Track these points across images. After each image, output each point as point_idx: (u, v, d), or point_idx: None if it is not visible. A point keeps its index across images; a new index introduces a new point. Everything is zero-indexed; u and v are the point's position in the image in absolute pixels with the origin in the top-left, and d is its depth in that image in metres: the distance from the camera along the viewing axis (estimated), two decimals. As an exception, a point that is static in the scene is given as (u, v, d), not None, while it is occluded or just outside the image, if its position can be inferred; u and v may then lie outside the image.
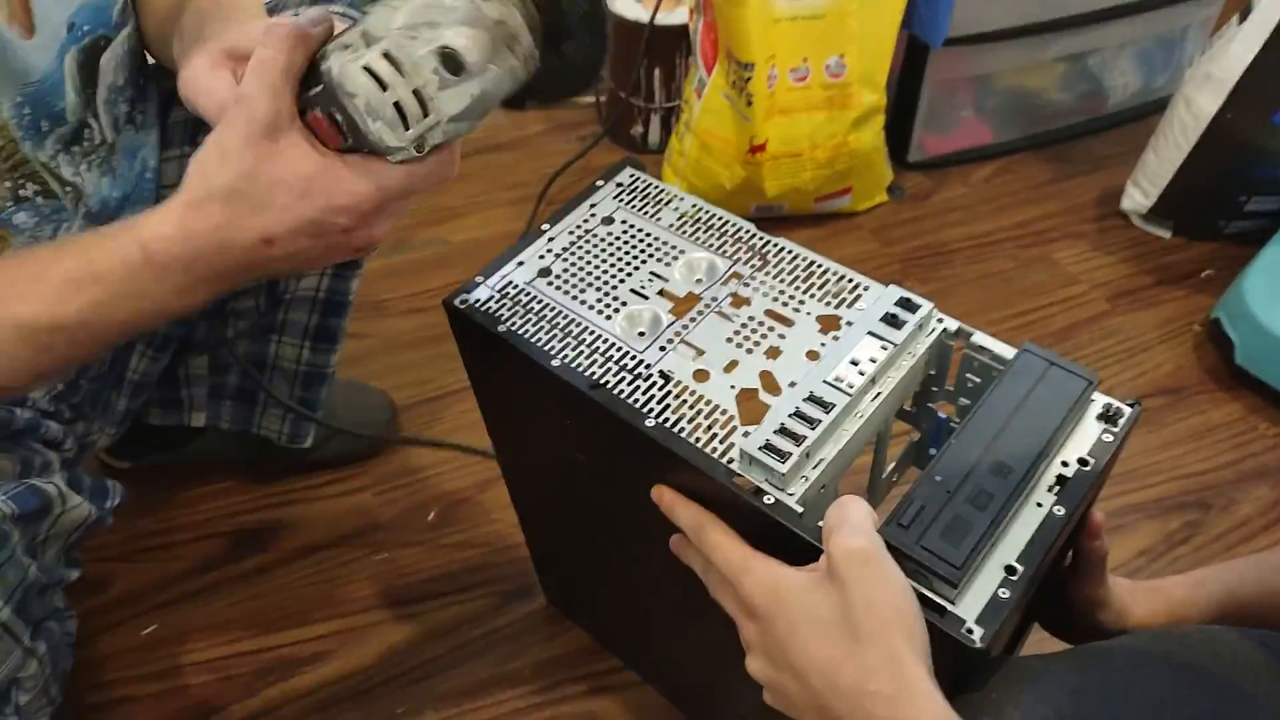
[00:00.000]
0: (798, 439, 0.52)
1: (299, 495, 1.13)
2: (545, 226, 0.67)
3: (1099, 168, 1.59)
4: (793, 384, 0.56)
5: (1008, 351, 0.58)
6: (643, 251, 0.65)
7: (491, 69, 0.49)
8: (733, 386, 0.57)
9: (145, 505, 1.12)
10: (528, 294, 0.63)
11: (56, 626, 0.78)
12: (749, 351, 0.59)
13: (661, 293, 0.63)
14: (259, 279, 0.55)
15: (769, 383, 0.57)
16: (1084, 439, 0.53)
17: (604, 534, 0.77)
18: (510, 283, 0.64)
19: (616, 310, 0.62)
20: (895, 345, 0.57)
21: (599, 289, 0.63)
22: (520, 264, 0.65)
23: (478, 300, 0.63)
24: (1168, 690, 0.49)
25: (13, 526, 0.64)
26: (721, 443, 0.54)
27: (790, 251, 0.65)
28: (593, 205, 0.69)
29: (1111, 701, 0.48)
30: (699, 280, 0.64)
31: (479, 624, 1.02)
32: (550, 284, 0.63)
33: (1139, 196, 1.46)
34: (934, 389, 0.63)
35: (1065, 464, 0.52)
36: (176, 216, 0.51)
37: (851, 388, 0.55)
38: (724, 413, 0.56)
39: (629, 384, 0.57)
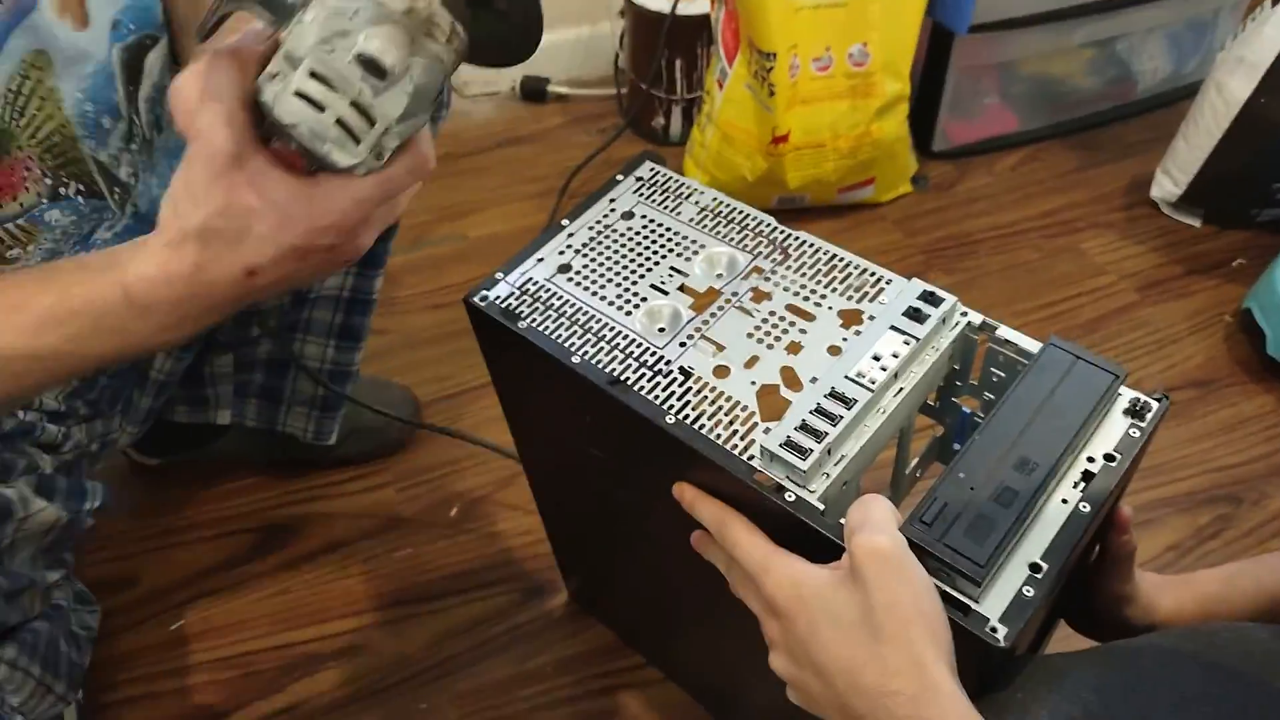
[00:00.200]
0: (819, 435, 0.52)
1: (322, 491, 1.14)
2: (564, 222, 0.67)
3: (1127, 155, 1.57)
4: (814, 380, 0.56)
5: (1033, 345, 0.57)
6: (663, 246, 0.65)
7: (417, 61, 0.47)
8: (753, 382, 0.56)
9: (171, 502, 1.13)
10: (547, 290, 0.63)
11: (45, 627, 0.78)
12: (770, 347, 0.58)
13: (682, 288, 0.62)
14: (251, 306, 0.54)
15: (790, 378, 0.56)
16: (1110, 434, 0.52)
17: (625, 530, 0.77)
18: (530, 279, 0.63)
19: (636, 306, 0.61)
20: (918, 340, 0.56)
21: (619, 285, 0.62)
22: (540, 260, 0.65)
23: (497, 297, 0.63)
24: (1197, 689, 0.48)
25: None
26: (742, 439, 0.54)
27: (811, 245, 0.64)
28: (612, 200, 0.68)
29: (1139, 701, 0.47)
30: (719, 275, 0.63)
31: (501, 620, 1.02)
32: (570, 280, 0.63)
33: (1169, 184, 1.44)
34: (958, 383, 0.62)
35: (1091, 459, 0.51)
36: (158, 258, 0.50)
37: (874, 383, 0.54)
38: (745, 409, 0.55)
39: (649, 380, 0.57)
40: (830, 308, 0.60)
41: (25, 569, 0.75)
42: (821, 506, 0.50)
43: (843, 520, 0.47)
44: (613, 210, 0.68)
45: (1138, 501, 1.09)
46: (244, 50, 0.48)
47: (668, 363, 0.58)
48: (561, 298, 0.62)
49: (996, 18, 1.40)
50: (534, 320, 0.61)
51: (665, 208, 0.67)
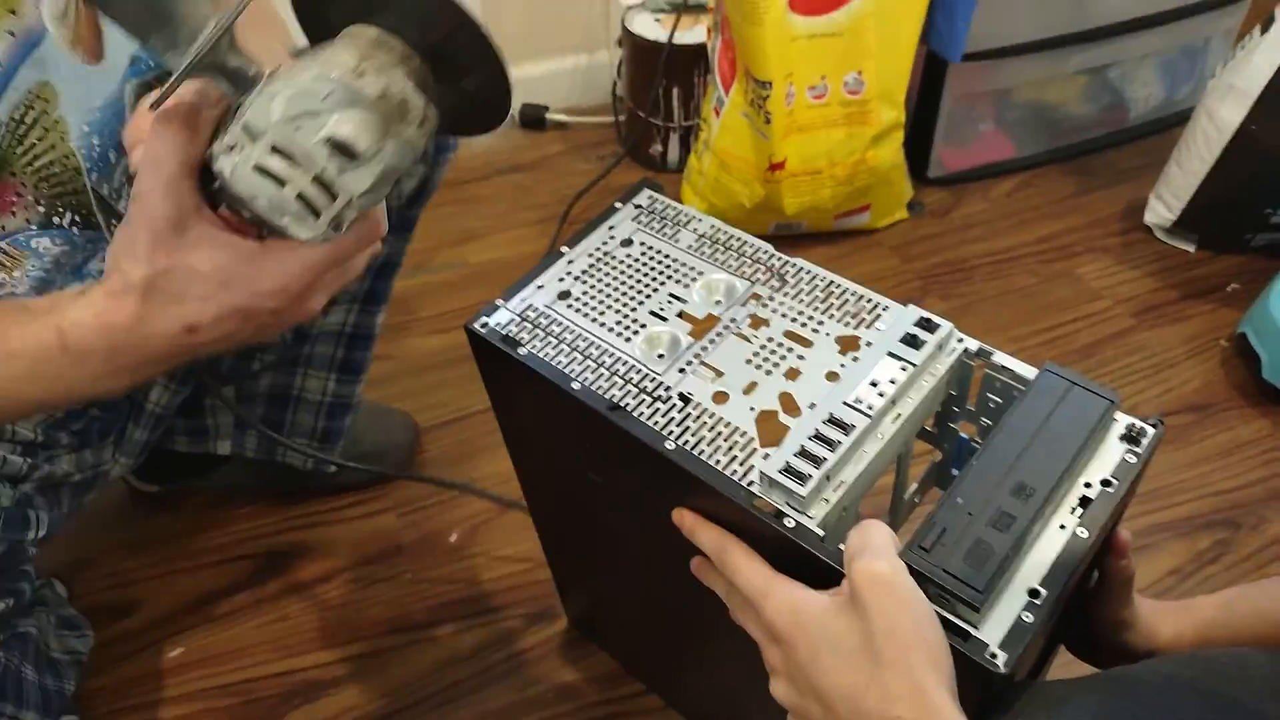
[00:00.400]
0: (818, 461, 0.52)
1: (322, 518, 1.14)
2: (564, 249, 0.68)
3: (1122, 181, 1.59)
4: (813, 405, 0.56)
5: (1029, 371, 0.57)
6: (661, 273, 0.65)
7: (389, 144, 0.47)
8: (752, 408, 0.57)
9: (170, 528, 1.13)
10: (547, 317, 0.63)
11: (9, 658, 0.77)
12: (768, 373, 0.59)
13: (681, 314, 0.63)
14: (190, 362, 0.54)
15: (788, 404, 0.57)
16: (1107, 459, 0.52)
17: (626, 556, 0.77)
18: (530, 306, 0.64)
19: (636, 332, 0.62)
20: (915, 366, 0.57)
21: (618, 311, 0.63)
22: (540, 287, 0.65)
23: (498, 324, 0.63)
24: (1196, 717, 0.48)
25: None
26: (741, 465, 0.54)
27: (809, 272, 0.65)
28: (611, 228, 0.69)
29: (1140, 728, 0.47)
30: (718, 301, 0.64)
31: (502, 647, 1.02)
32: (570, 307, 0.64)
33: (1162, 210, 1.45)
34: (955, 409, 0.63)
35: (1088, 485, 0.51)
36: (96, 306, 0.50)
37: (871, 409, 0.55)
38: (743, 435, 0.56)
39: (649, 406, 0.57)
40: (828, 334, 0.60)
41: None
42: (821, 532, 0.50)
43: (842, 546, 0.48)
44: (612, 238, 0.68)
45: (1136, 526, 1.09)
46: (194, 114, 0.48)
47: (667, 389, 0.58)
48: (561, 324, 0.63)
49: (990, 46, 1.42)
50: (534, 347, 0.61)
51: (664, 235, 0.68)
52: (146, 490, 1.15)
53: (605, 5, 1.68)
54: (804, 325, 0.61)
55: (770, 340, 0.61)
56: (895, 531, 0.49)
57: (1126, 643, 0.63)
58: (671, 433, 0.56)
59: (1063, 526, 0.50)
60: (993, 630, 0.45)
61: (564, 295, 0.65)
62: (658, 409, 0.57)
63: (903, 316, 0.60)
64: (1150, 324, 1.35)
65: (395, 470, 1.17)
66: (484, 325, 0.63)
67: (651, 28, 1.53)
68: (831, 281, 0.64)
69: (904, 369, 0.57)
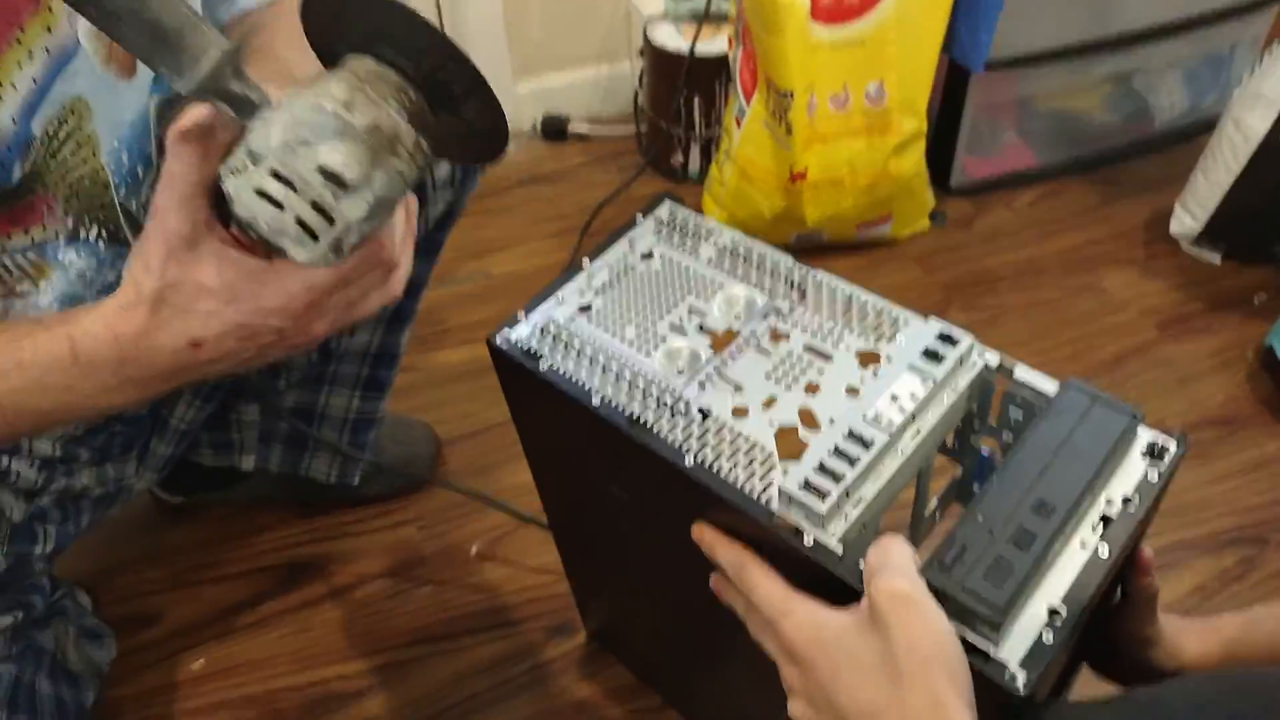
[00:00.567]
0: (837, 477, 0.52)
1: (345, 530, 1.15)
2: (585, 262, 0.68)
3: (1146, 191, 1.57)
4: (832, 421, 0.56)
5: (1050, 386, 0.57)
6: (682, 287, 0.65)
7: (377, 175, 0.48)
8: (771, 423, 0.57)
9: (195, 539, 1.14)
10: (568, 331, 0.63)
11: (9, 669, 0.77)
12: (788, 388, 0.59)
13: (701, 328, 0.63)
14: (195, 380, 0.55)
15: (808, 419, 0.57)
16: (1129, 476, 0.52)
17: (644, 571, 0.77)
18: (551, 320, 0.64)
19: (656, 347, 0.62)
20: (936, 380, 0.57)
21: (638, 325, 0.63)
22: (560, 301, 0.66)
23: (519, 338, 0.64)
24: (1222, 738, 0.47)
25: None
26: (761, 481, 0.54)
27: (829, 285, 0.64)
28: (632, 240, 0.69)
29: (1163, 750, 0.46)
30: (737, 316, 0.64)
31: (521, 660, 1.02)
32: (590, 321, 0.64)
33: (1188, 220, 1.44)
34: (976, 424, 0.62)
35: (1110, 502, 0.51)
36: (107, 318, 0.52)
37: (891, 424, 0.54)
38: (763, 450, 0.55)
39: (668, 421, 0.57)
40: (848, 348, 0.60)
41: None
42: (840, 549, 0.50)
43: (861, 563, 0.47)
44: (632, 251, 0.68)
45: (1160, 543, 1.08)
46: (209, 136, 0.49)
47: (687, 403, 0.58)
48: (582, 338, 0.63)
49: (1012, 55, 1.41)
50: (555, 361, 0.62)
51: (684, 248, 0.68)
52: (171, 501, 1.16)
53: (626, 16, 1.69)
54: (824, 339, 0.61)
55: (790, 354, 0.60)
56: (916, 548, 0.48)
57: (1151, 660, 0.62)
58: (691, 448, 0.56)
59: (1084, 545, 0.49)
60: (1012, 650, 0.45)
61: (584, 309, 0.65)
62: (677, 424, 0.57)
63: (923, 330, 0.60)
64: (1175, 336, 1.33)
65: (417, 479, 1.17)
66: (505, 340, 0.64)
67: (673, 38, 1.53)
68: (852, 295, 0.63)
69: (924, 384, 0.56)
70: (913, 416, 0.56)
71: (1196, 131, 1.64)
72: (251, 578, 1.11)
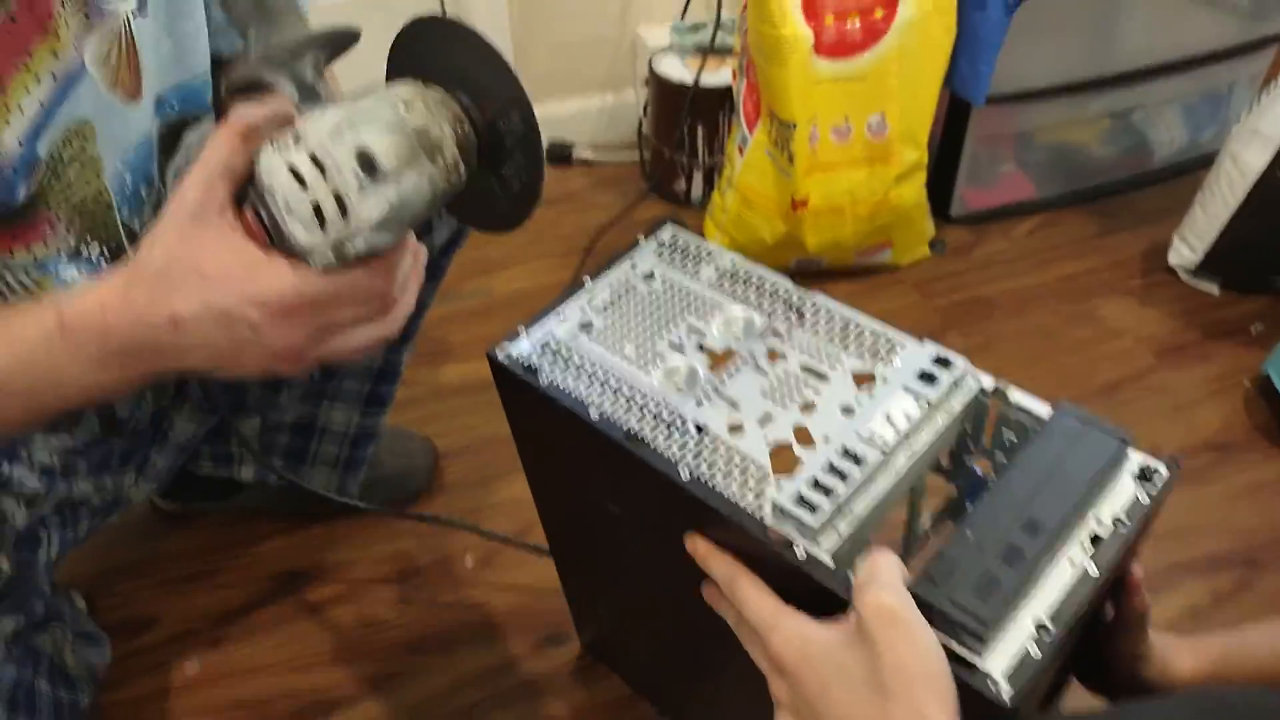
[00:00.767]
0: (830, 493, 0.53)
1: (342, 540, 1.15)
2: (586, 281, 0.69)
3: (1144, 223, 1.59)
4: (827, 438, 0.57)
5: (1043, 410, 0.58)
6: (682, 307, 0.67)
7: (409, 174, 0.50)
8: (767, 440, 0.58)
9: (191, 545, 1.15)
10: (569, 347, 0.65)
11: (10, 672, 0.78)
12: (784, 406, 0.60)
13: (700, 347, 0.64)
14: (177, 369, 0.55)
15: (803, 437, 0.58)
16: (1120, 498, 0.53)
17: (639, 583, 0.78)
18: (552, 336, 0.65)
19: (655, 364, 0.63)
20: (930, 402, 0.58)
21: (638, 343, 0.64)
22: (562, 318, 0.67)
23: (520, 353, 0.65)
24: (1205, 756, 0.48)
25: None
26: (755, 495, 0.55)
27: (827, 308, 0.66)
28: (634, 261, 0.70)
29: (1147, 767, 0.47)
30: (736, 336, 0.65)
31: (515, 671, 1.02)
32: (591, 338, 0.65)
33: (1186, 252, 1.45)
34: (970, 445, 0.63)
35: (1100, 522, 0.52)
36: (98, 290, 0.52)
37: (885, 443, 0.55)
38: (758, 466, 0.56)
39: (665, 436, 0.58)
40: (844, 369, 0.61)
41: None
42: (832, 563, 0.51)
43: (852, 575, 0.48)
44: (634, 271, 0.70)
45: (1155, 565, 1.09)
46: (253, 131, 0.51)
47: (684, 419, 0.59)
48: (582, 355, 0.64)
49: (1013, 89, 1.43)
50: (555, 376, 0.63)
51: (685, 270, 0.69)
52: (168, 509, 1.17)
53: (632, 46, 1.71)
54: (821, 360, 0.62)
55: (787, 374, 0.61)
56: (908, 564, 0.49)
57: (1141, 677, 0.63)
58: (687, 462, 0.57)
59: (1073, 563, 0.50)
60: (999, 663, 0.46)
61: (585, 326, 0.66)
62: (674, 439, 0.58)
63: (919, 353, 0.61)
64: (1172, 364, 1.34)
65: (412, 496, 1.18)
66: (506, 354, 0.65)
67: (678, 70, 1.56)
68: (849, 318, 0.65)
69: (919, 405, 0.58)
70: (906, 436, 0.57)
71: (1195, 166, 1.66)
72: (247, 585, 1.11)
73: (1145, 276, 1.49)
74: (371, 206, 0.49)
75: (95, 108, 0.66)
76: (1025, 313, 1.43)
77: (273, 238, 0.51)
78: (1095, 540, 0.51)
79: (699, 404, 0.60)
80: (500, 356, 0.65)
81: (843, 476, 0.54)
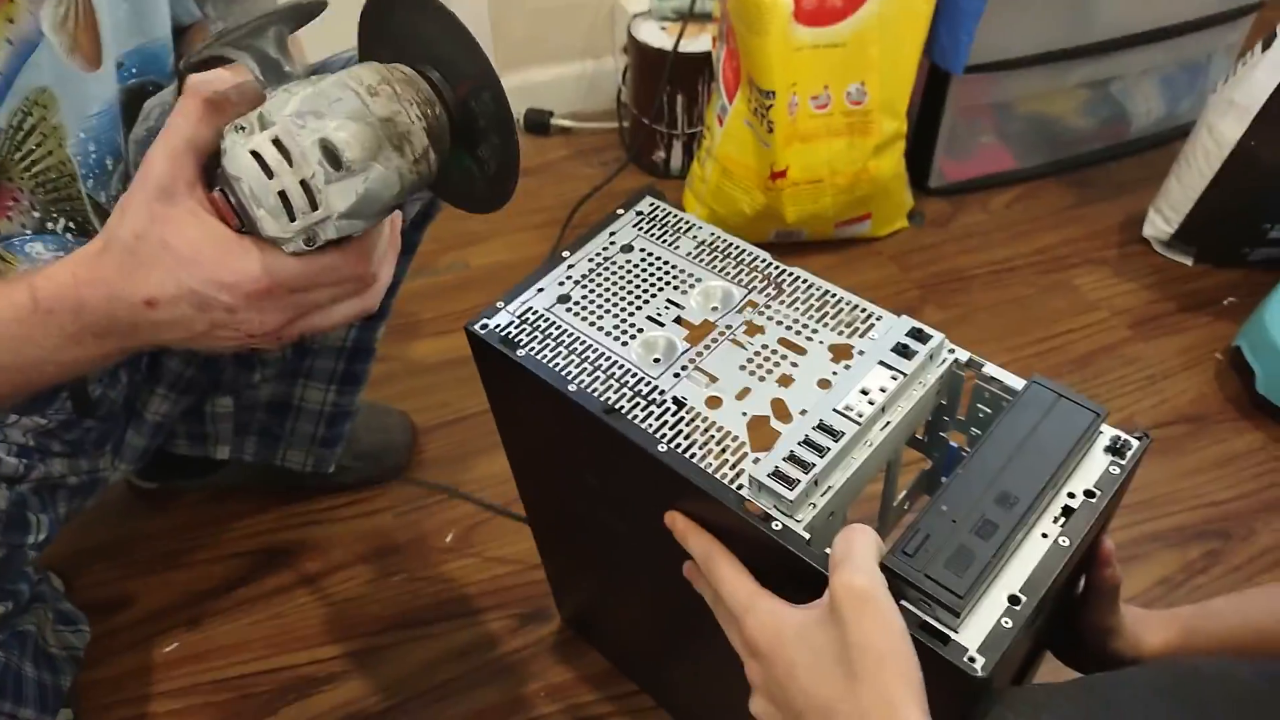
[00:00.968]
0: (806, 466, 0.53)
1: (320, 516, 1.15)
2: (565, 254, 0.69)
3: (1121, 194, 1.59)
4: (804, 412, 0.57)
5: (1017, 383, 0.58)
6: (660, 279, 0.66)
7: (375, 167, 0.48)
8: (744, 414, 0.58)
9: (168, 524, 1.14)
10: (546, 320, 0.64)
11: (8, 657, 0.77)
12: (761, 379, 0.60)
13: (678, 320, 0.64)
14: (151, 344, 0.54)
15: (780, 410, 0.58)
16: (1091, 470, 0.53)
17: (619, 557, 0.78)
18: (530, 308, 0.65)
19: (633, 337, 0.63)
20: (906, 375, 0.58)
21: (616, 316, 0.64)
22: (540, 290, 0.66)
23: (498, 325, 0.64)
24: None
25: None
26: (732, 469, 0.55)
27: (805, 280, 0.65)
28: (612, 233, 0.70)
29: (1117, 734, 0.48)
30: (714, 308, 0.65)
31: (495, 646, 1.03)
32: (569, 310, 0.65)
33: (1161, 223, 1.46)
34: (945, 419, 0.63)
35: (1071, 495, 0.52)
36: (71, 264, 0.52)
37: (861, 416, 0.56)
38: (735, 439, 0.56)
39: (643, 409, 0.58)
40: (821, 342, 0.61)
41: None
42: (808, 536, 0.51)
43: (828, 550, 0.48)
44: (612, 243, 0.69)
45: (1127, 536, 1.10)
46: (222, 101, 0.50)
47: (661, 393, 0.59)
48: (560, 327, 0.64)
49: (992, 59, 1.43)
50: (532, 349, 0.62)
51: (664, 242, 0.69)
52: (145, 487, 1.16)
53: (610, 12, 1.69)
54: (798, 333, 0.62)
55: (764, 347, 0.61)
56: (884, 537, 0.50)
57: (1113, 649, 0.63)
58: (664, 436, 0.57)
59: (1045, 535, 0.50)
60: (972, 635, 0.46)
61: (564, 299, 0.66)
62: (652, 412, 0.58)
63: (895, 326, 0.61)
64: (1146, 336, 1.36)
65: (390, 471, 1.18)
66: (484, 327, 0.64)
67: (657, 36, 1.54)
68: (827, 290, 0.65)
69: (894, 378, 0.58)
70: (882, 410, 0.57)
71: (1172, 137, 1.66)
72: (225, 563, 1.11)
73: (1121, 248, 1.50)
74: (338, 198, 0.48)
75: (55, 75, 0.65)
76: (1002, 285, 1.44)
77: (243, 221, 0.50)
78: (1067, 512, 0.51)
79: (677, 377, 0.60)
80: (478, 330, 0.64)
81: (819, 450, 0.54)
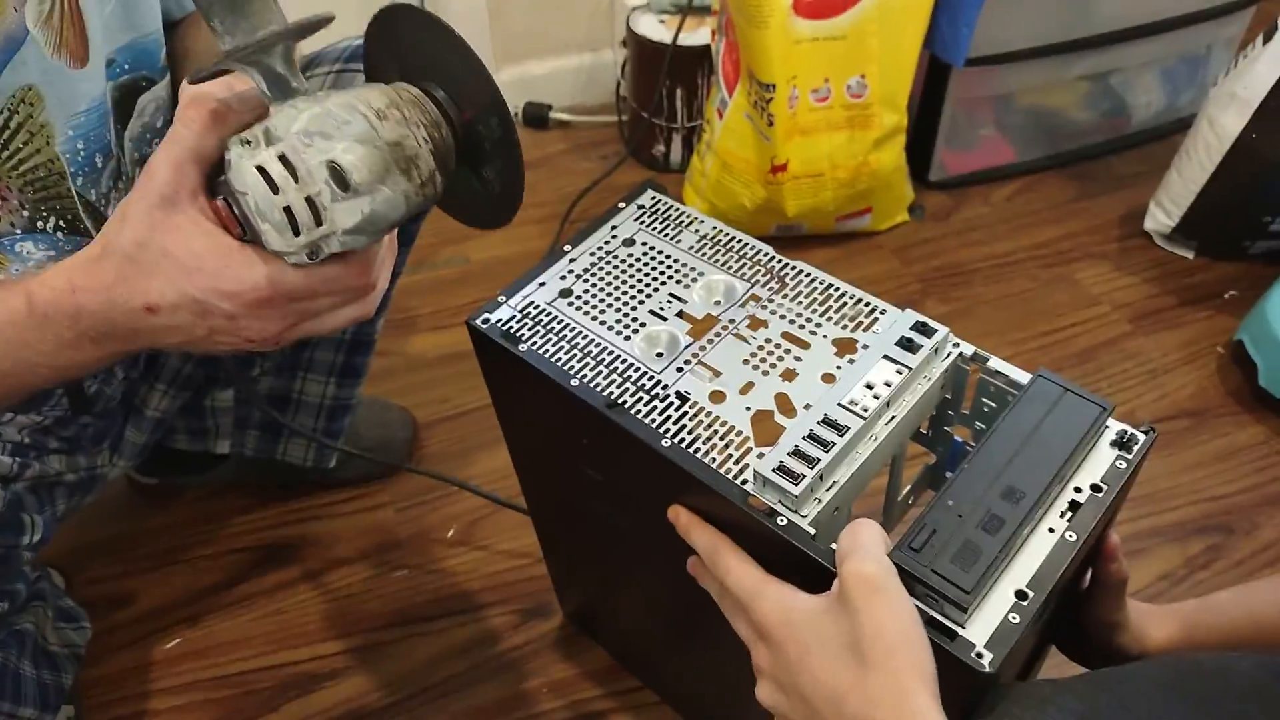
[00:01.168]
0: (811, 461, 0.53)
1: (321, 512, 1.15)
2: (566, 248, 0.68)
3: (1122, 187, 1.59)
4: (808, 406, 0.57)
5: (1023, 377, 0.58)
6: (662, 273, 0.66)
7: (382, 190, 0.48)
8: (748, 408, 0.58)
9: (169, 521, 1.14)
10: (548, 314, 0.64)
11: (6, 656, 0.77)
12: (765, 374, 0.59)
13: (680, 314, 0.63)
14: (151, 348, 0.54)
15: (784, 405, 0.58)
16: (1098, 465, 0.53)
17: (621, 553, 0.78)
18: (531, 303, 0.65)
19: (635, 331, 0.62)
20: (910, 369, 0.57)
21: (618, 310, 0.64)
22: (541, 284, 0.66)
23: (499, 320, 0.64)
24: (1179, 719, 0.49)
25: None
26: (736, 464, 0.55)
27: (808, 274, 0.65)
28: (614, 227, 0.70)
29: (1123, 729, 0.48)
30: (717, 302, 0.64)
31: (497, 642, 1.02)
32: (571, 304, 0.64)
33: (1162, 216, 1.46)
34: (950, 413, 0.63)
35: (1078, 490, 0.52)
36: (68, 270, 0.51)
37: (865, 411, 0.55)
38: (739, 434, 0.56)
39: (646, 404, 0.58)
40: (825, 336, 0.61)
41: None
42: (812, 531, 0.51)
43: (834, 545, 0.48)
44: (614, 237, 0.69)
45: (1129, 531, 1.10)
46: (225, 110, 0.49)
47: (664, 387, 0.59)
48: (562, 321, 0.63)
49: (993, 51, 1.42)
50: (534, 343, 0.62)
51: (666, 235, 0.69)
52: (145, 483, 1.16)
53: (610, 5, 1.68)
54: (802, 327, 0.62)
55: (768, 341, 0.61)
56: (889, 532, 0.49)
57: (1118, 645, 0.63)
58: (668, 430, 0.56)
59: (1052, 530, 0.50)
60: (980, 630, 0.46)
61: (565, 293, 0.65)
62: (655, 407, 0.58)
63: (900, 320, 0.60)
64: (1147, 329, 1.35)
65: (392, 463, 1.17)
66: (485, 321, 0.64)
67: (656, 29, 1.53)
68: (830, 284, 0.64)
69: (899, 372, 0.57)
70: (887, 404, 0.57)
71: (1172, 130, 1.66)
72: (226, 559, 1.11)
73: (1122, 241, 1.50)
74: (344, 216, 0.48)
75: (41, 73, 0.64)
76: (1004, 278, 1.43)
77: (245, 230, 0.50)
78: (1074, 507, 0.51)
79: (680, 371, 0.60)
80: (480, 324, 0.64)
81: (824, 445, 0.53)
